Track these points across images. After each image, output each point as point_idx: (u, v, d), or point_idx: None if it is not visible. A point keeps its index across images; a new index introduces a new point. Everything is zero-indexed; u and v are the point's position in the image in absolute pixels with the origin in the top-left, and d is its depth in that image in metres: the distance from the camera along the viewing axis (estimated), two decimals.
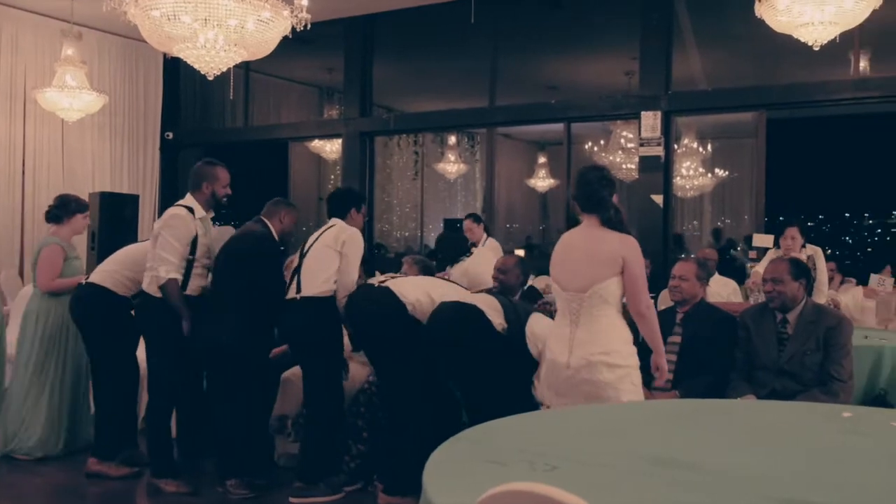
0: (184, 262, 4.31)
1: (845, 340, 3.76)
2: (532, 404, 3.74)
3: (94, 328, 4.70)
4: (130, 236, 7.78)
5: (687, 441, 2.30)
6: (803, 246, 6.04)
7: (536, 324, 3.99)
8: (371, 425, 4.41)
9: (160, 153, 10.41)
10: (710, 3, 8.19)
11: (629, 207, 12.85)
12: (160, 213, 4.89)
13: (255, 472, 4.35)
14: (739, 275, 7.43)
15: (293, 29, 5.35)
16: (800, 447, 2.23)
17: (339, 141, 10.22)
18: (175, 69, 10.25)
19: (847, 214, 16.11)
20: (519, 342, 3.96)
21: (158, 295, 4.29)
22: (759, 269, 5.79)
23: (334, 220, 4.51)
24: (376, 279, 4.39)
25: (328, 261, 4.29)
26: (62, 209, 5.13)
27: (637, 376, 3.34)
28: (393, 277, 4.45)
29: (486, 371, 3.95)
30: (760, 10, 5.45)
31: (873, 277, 6.39)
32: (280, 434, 4.70)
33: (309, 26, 5.29)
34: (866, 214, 16.02)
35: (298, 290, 4.30)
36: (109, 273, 4.71)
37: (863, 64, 7.70)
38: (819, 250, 6.10)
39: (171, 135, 10.53)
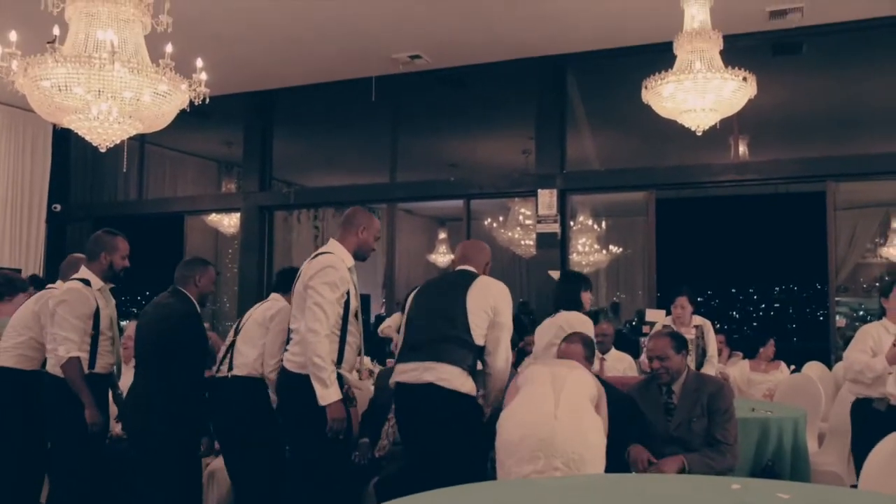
0: (87, 338, 4.07)
1: (727, 405, 3.92)
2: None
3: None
4: None
5: None
6: (693, 313, 6.21)
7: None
8: None
9: (46, 225, 9.98)
10: (601, 88, 8.58)
11: (528, 282, 13.12)
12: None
13: None
14: (634, 349, 7.59)
15: (191, 102, 5.28)
16: None
17: (238, 215, 10.07)
18: (65, 138, 9.90)
19: (733, 290, 16.86)
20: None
21: (61, 375, 4.03)
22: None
23: (274, 296, 4.42)
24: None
25: (258, 338, 4.19)
26: (8, 287, 4.79)
27: None
28: None
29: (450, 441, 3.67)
30: (647, 97, 5.75)
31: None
32: None
33: (207, 100, 5.23)
34: (751, 290, 16.80)
35: (230, 367, 4.17)
36: (9, 350, 4.39)
37: (742, 149, 8.19)
38: (708, 323, 6.27)
39: (58, 207, 10.13)
